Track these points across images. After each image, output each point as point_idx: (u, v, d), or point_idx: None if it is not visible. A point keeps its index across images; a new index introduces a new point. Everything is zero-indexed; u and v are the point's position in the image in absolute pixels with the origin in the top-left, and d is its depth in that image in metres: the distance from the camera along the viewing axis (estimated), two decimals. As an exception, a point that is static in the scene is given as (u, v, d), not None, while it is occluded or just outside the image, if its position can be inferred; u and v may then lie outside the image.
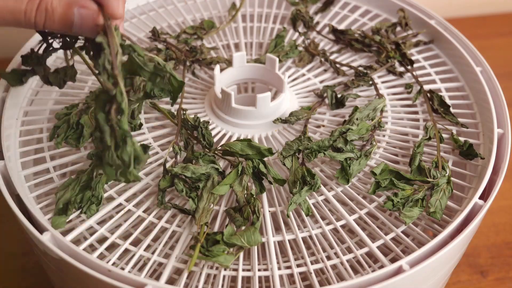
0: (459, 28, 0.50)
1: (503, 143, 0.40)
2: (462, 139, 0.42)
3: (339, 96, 0.45)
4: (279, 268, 0.35)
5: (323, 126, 0.44)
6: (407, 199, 0.37)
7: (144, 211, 0.37)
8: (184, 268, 0.34)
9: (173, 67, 0.47)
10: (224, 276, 0.35)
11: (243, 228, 0.36)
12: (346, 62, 0.49)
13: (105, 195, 0.37)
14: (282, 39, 0.51)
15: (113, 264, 0.34)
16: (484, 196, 0.38)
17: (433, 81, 0.48)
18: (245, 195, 0.37)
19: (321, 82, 0.48)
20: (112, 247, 0.36)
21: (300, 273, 0.35)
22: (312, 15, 0.54)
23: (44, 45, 0.38)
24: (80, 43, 0.36)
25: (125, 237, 0.36)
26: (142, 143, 0.40)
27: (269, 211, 0.38)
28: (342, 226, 0.37)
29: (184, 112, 0.42)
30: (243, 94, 0.52)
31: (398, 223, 0.37)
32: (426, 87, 0.46)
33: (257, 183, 0.38)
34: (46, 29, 0.32)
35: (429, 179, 0.38)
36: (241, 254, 0.35)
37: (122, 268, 0.34)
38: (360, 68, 0.48)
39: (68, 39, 0.36)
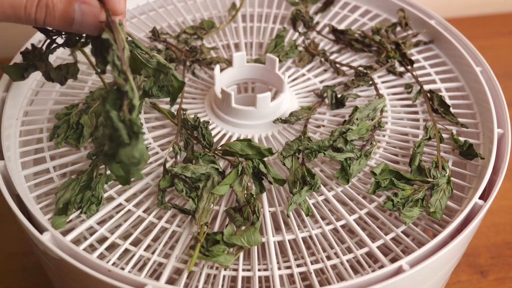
0: (459, 28, 0.50)
1: (503, 143, 0.40)
2: (462, 139, 0.42)
3: (339, 96, 0.45)
4: (279, 268, 0.35)
5: (323, 126, 0.44)
6: (407, 199, 0.37)
7: (144, 211, 0.37)
8: (184, 268, 0.34)
9: (174, 68, 0.47)
10: (224, 276, 0.35)
11: (243, 228, 0.36)
12: (346, 62, 0.49)
13: (105, 195, 0.37)
14: (282, 39, 0.51)
15: (113, 264, 0.34)
16: (484, 196, 0.38)
17: (433, 81, 0.48)
18: (245, 195, 0.37)
19: (321, 82, 0.48)
20: (112, 247, 0.36)
21: (300, 273, 0.35)
22: (312, 15, 0.54)
23: (47, 42, 0.37)
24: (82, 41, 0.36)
25: (125, 237, 0.36)
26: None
27: (269, 211, 0.38)
28: (342, 226, 0.37)
29: (184, 112, 0.42)
30: (243, 94, 0.52)
31: (398, 223, 0.37)
32: (426, 87, 0.46)
33: (257, 183, 0.38)
34: (46, 25, 0.32)
35: (429, 179, 0.38)
36: (241, 254, 0.35)
37: (122, 268, 0.34)
38: (360, 68, 0.48)
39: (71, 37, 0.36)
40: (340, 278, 0.35)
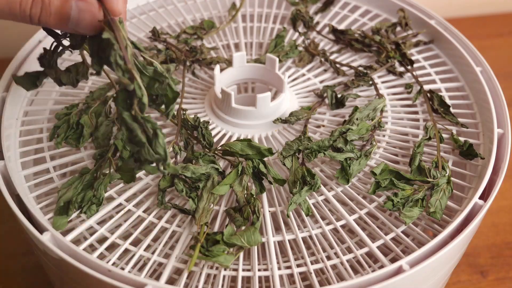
0: (459, 28, 0.50)
1: (503, 143, 0.40)
2: (462, 139, 0.42)
3: (339, 96, 0.45)
4: (279, 268, 0.35)
5: (323, 126, 0.44)
6: (407, 199, 0.37)
7: (144, 211, 0.37)
8: (184, 268, 0.34)
9: (174, 68, 0.47)
10: (224, 276, 0.35)
11: (243, 228, 0.36)
12: (346, 62, 0.49)
13: (106, 195, 0.37)
14: (282, 39, 0.51)
15: (113, 264, 0.34)
16: (484, 196, 0.38)
17: (433, 81, 0.48)
18: (245, 195, 0.37)
19: (321, 82, 0.48)
20: (112, 247, 0.36)
21: (300, 273, 0.35)
22: (312, 15, 0.54)
23: (54, 46, 0.37)
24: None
25: (125, 237, 0.36)
26: None
27: (269, 211, 0.38)
28: (342, 226, 0.37)
29: (184, 112, 0.42)
30: (243, 94, 0.52)
31: (398, 223, 0.37)
32: (426, 87, 0.46)
33: (257, 183, 0.38)
34: (42, 23, 0.31)
35: (429, 179, 0.38)
36: (241, 254, 0.35)
37: (122, 268, 0.34)
38: (360, 68, 0.48)
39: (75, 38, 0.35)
40: (340, 278, 0.35)
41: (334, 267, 0.36)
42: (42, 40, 0.47)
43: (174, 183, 0.37)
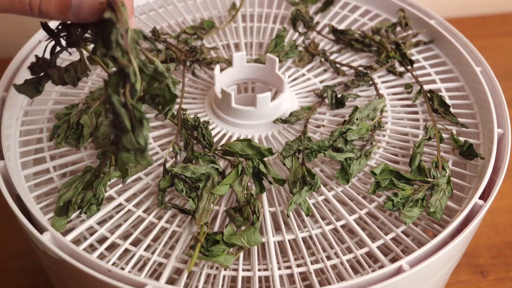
0: (459, 28, 0.50)
1: (503, 143, 0.40)
2: (462, 139, 0.42)
3: (339, 96, 0.45)
4: (279, 268, 0.35)
5: (323, 126, 0.44)
6: (407, 199, 0.37)
7: (144, 211, 0.37)
8: (184, 268, 0.34)
9: (173, 68, 0.47)
10: (224, 276, 0.35)
11: (243, 228, 0.36)
12: (346, 62, 0.49)
13: (106, 195, 0.37)
14: (282, 39, 0.51)
15: (113, 264, 0.34)
16: (484, 196, 0.38)
17: (433, 81, 0.48)
18: (245, 195, 0.37)
19: (321, 82, 0.48)
20: (112, 247, 0.36)
21: (300, 273, 0.35)
22: (312, 15, 0.54)
23: (49, 47, 0.37)
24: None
25: (125, 237, 0.36)
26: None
27: (269, 211, 0.38)
28: (342, 226, 0.37)
29: (184, 112, 0.42)
30: (243, 94, 0.52)
31: (398, 223, 0.37)
32: (426, 87, 0.46)
33: (257, 183, 0.38)
34: (42, 13, 0.30)
35: (429, 179, 0.38)
36: (241, 254, 0.35)
37: (122, 268, 0.34)
38: (360, 68, 0.48)
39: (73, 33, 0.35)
40: (340, 278, 0.35)
41: (334, 267, 0.36)
42: (42, 40, 0.47)
43: (174, 183, 0.37)
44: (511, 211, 0.60)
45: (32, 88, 0.37)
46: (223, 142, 0.42)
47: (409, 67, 0.49)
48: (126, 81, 0.28)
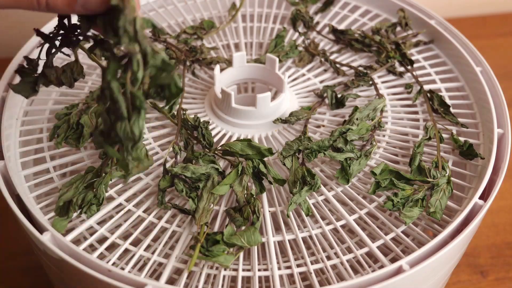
0: (459, 28, 0.50)
1: (503, 143, 0.40)
2: (462, 139, 0.42)
3: (339, 96, 0.45)
4: (279, 268, 0.35)
5: (323, 126, 0.44)
6: (407, 199, 0.37)
7: (144, 211, 0.37)
8: (184, 268, 0.34)
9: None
10: (224, 276, 0.35)
11: (243, 228, 0.36)
12: (346, 62, 0.49)
13: (106, 195, 0.37)
14: (282, 39, 0.51)
15: (113, 264, 0.34)
16: (484, 196, 0.38)
17: (433, 81, 0.48)
18: (245, 195, 0.37)
19: (321, 82, 0.48)
20: (112, 247, 0.36)
21: (300, 273, 0.35)
22: (312, 15, 0.54)
23: (46, 47, 0.37)
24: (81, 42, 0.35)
25: (125, 237, 0.36)
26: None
27: (269, 211, 0.38)
28: (342, 226, 0.37)
29: (184, 112, 0.42)
30: (243, 94, 0.52)
31: (398, 223, 0.37)
32: (426, 87, 0.46)
33: (257, 183, 0.38)
34: (49, 7, 0.30)
35: (429, 179, 0.38)
36: (241, 254, 0.35)
37: (122, 268, 0.34)
38: (360, 68, 0.48)
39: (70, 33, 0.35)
40: (340, 278, 0.35)
41: (334, 267, 0.36)
42: (37, 44, 0.47)
43: (174, 183, 0.37)
44: (511, 211, 0.60)
45: (28, 88, 0.36)
46: (223, 142, 0.42)
47: (409, 67, 0.49)
48: (127, 68, 0.27)
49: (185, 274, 0.34)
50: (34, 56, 0.45)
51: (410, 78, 0.48)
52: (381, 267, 0.33)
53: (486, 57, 0.47)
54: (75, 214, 0.36)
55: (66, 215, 0.36)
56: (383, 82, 0.48)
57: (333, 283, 0.32)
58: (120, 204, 0.37)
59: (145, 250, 0.36)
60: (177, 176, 0.37)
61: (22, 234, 0.37)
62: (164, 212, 0.37)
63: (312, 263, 0.35)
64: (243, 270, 0.35)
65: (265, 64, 0.46)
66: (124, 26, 0.27)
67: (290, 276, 0.40)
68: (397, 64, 0.49)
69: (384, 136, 0.43)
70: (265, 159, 0.39)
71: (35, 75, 0.36)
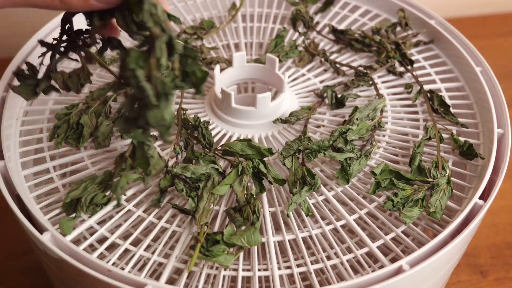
0: (459, 28, 0.50)
1: (503, 143, 0.40)
2: (462, 139, 0.42)
3: (339, 96, 0.45)
4: (279, 268, 0.35)
5: (323, 126, 0.44)
6: (407, 199, 0.37)
7: (144, 211, 0.37)
8: (184, 268, 0.34)
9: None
10: (224, 276, 0.35)
11: (243, 228, 0.36)
12: (346, 62, 0.49)
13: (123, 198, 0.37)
14: (282, 39, 0.51)
15: (113, 264, 0.34)
16: (484, 196, 0.38)
17: (433, 81, 0.48)
18: (245, 195, 0.37)
19: (321, 82, 0.48)
20: (112, 247, 0.36)
21: (300, 273, 0.35)
22: (312, 15, 0.54)
23: (49, 54, 0.36)
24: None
25: (125, 237, 0.36)
26: None
27: (269, 211, 0.38)
28: (342, 226, 0.37)
29: (184, 112, 0.42)
30: (243, 94, 0.52)
31: (398, 223, 0.37)
32: (426, 87, 0.46)
33: (257, 183, 0.38)
34: (64, 3, 0.29)
35: (429, 179, 0.38)
36: (241, 254, 0.35)
37: (122, 268, 0.34)
38: (360, 68, 0.48)
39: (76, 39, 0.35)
40: (340, 278, 0.35)
41: (334, 267, 0.36)
42: (36, 47, 0.47)
43: (174, 183, 0.37)
44: (511, 211, 0.60)
45: (29, 90, 0.36)
46: (223, 142, 0.42)
47: (409, 67, 0.49)
48: (150, 55, 0.27)
49: (185, 274, 0.34)
50: (34, 57, 0.45)
51: (410, 78, 0.48)
52: (381, 267, 0.33)
53: (486, 57, 0.47)
54: (84, 215, 0.36)
55: (72, 213, 0.35)
56: (383, 82, 0.48)
57: (333, 283, 0.32)
58: (120, 204, 0.37)
59: (145, 250, 0.36)
60: (177, 176, 0.37)
61: (22, 234, 0.37)
62: (164, 212, 0.37)
63: (312, 263, 0.35)
64: (243, 270, 0.35)
65: (265, 64, 0.46)
66: (149, 9, 0.27)
67: (290, 276, 0.40)
68: (397, 64, 0.49)
69: (384, 136, 0.43)
70: (265, 159, 0.39)
71: (37, 78, 0.36)
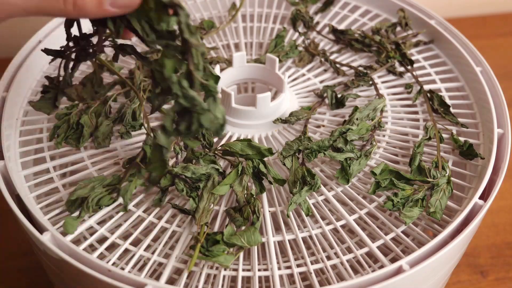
0: (459, 28, 0.50)
1: (503, 143, 0.40)
2: (462, 139, 0.42)
3: (339, 96, 0.45)
4: (279, 268, 0.35)
5: (323, 126, 0.44)
6: (407, 199, 0.37)
7: (144, 211, 0.37)
8: (184, 268, 0.34)
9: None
10: (224, 276, 0.35)
11: (243, 228, 0.36)
12: (346, 62, 0.49)
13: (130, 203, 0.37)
14: (282, 39, 0.51)
15: (113, 264, 0.34)
16: (484, 196, 0.38)
17: (433, 81, 0.48)
18: (245, 195, 0.37)
19: (321, 82, 0.48)
20: (112, 247, 0.36)
21: (300, 273, 0.35)
22: (312, 15, 0.54)
23: (63, 64, 0.35)
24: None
25: (125, 237, 0.36)
26: None
27: (269, 211, 0.38)
28: (342, 226, 0.37)
29: (184, 112, 0.42)
30: (243, 94, 0.52)
31: (398, 223, 0.37)
32: (426, 87, 0.46)
33: (257, 183, 0.38)
34: (77, 10, 0.28)
35: (429, 179, 0.38)
36: (241, 254, 0.35)
37: (122, 268, 0.34)
38: (360, 68, 0.48)
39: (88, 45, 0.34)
40: (340, 278, 0.35)
41: (334, 267, 0.36)
42: (42, 40, 0.47)
43: (174, 183, 0.37)
44: (511, 211, 0.60)
45: (48, 105, 0.37)
46: (223, 142, 0.42)
47: (409, 67, 0.49)
48: (189, 63, 0.28)
49: (185, 274, 0.34)
50: (34, 61, 0.45)
51: (410, 78, 0.48)
52: (381, 267, 0.33)
53: (486, 57, 0.47)
54: (75, 214, 0.36)
55: (75, 211, 0.35)
56: (383, 82, 0.48)
57: (333, 283, 0.32)
58: (120, 204, 0.37)
59: (145, 250, 0.36)
60: (177, 176, 0.37)
61: (22, 234, 0.37)
62: (164, 212, 0.37)
63: (312, 263, 0.35)
64: (243, 270, 0.35)
65: (265, 64, 0.46)
66: (186, 22, 0.28)
67: (290, 276, 0.40)
68: (397, 64, 0.49)
69: (384, 136, 0.43)
70: (265, 159, 0.39)
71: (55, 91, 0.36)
